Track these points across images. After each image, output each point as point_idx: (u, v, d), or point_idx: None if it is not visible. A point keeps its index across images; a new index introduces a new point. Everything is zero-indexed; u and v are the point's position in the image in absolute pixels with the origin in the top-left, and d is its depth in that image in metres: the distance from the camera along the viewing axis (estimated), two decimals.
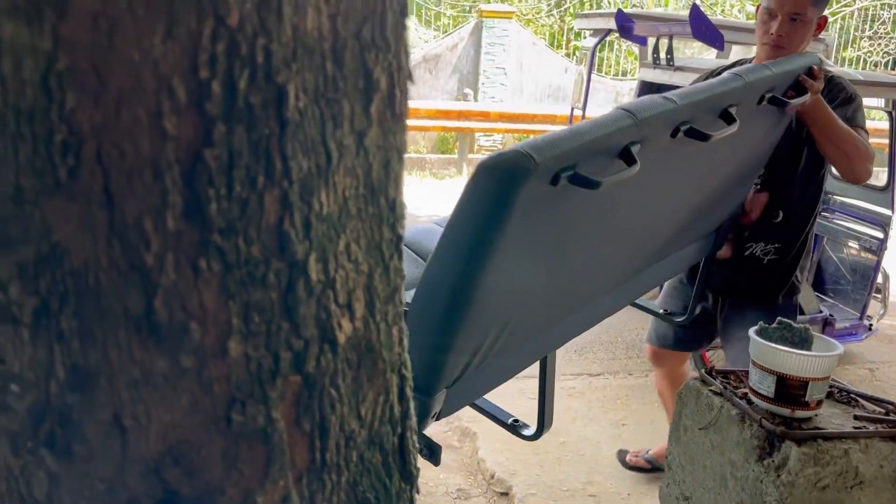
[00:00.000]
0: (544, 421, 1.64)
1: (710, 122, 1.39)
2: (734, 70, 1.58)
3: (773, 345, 1.33)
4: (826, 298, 3.81)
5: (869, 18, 10.71)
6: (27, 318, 0.50)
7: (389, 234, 0.64)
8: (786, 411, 1.32)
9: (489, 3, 9.38)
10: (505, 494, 2.68)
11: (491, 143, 8.80)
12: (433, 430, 3.07)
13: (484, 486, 2.75)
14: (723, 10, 10.77)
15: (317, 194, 0.55)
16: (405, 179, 0.67)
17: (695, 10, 3.14)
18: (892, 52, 10.63)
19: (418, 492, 0.74)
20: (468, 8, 10.02)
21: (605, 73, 9.52)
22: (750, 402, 1.35)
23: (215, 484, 0.53)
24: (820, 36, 2.18)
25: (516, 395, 2.81)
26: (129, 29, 0.45)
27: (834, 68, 2.63)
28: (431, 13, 10.05)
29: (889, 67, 10.57)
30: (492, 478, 2.76)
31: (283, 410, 0.55)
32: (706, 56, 4.91)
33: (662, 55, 3.67)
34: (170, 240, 0.48)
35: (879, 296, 3.76)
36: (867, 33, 10.71)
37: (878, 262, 3.55)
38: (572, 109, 4.98)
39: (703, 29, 3.14)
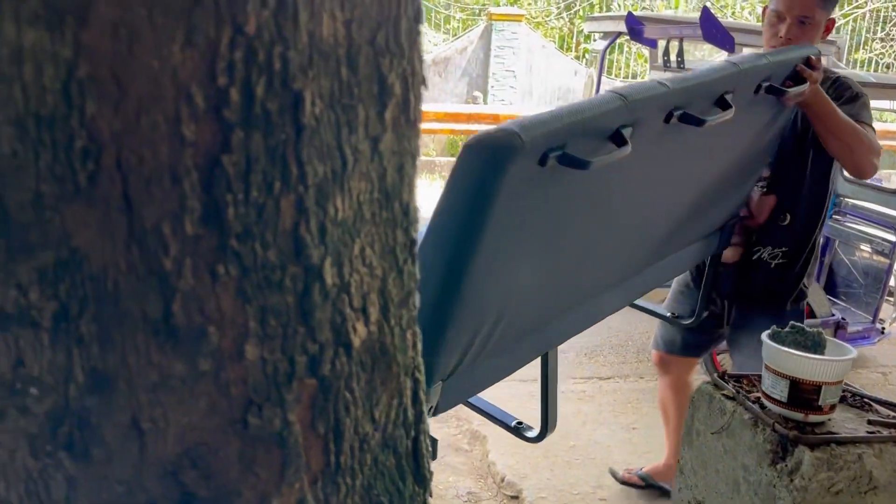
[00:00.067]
0: (548, 422, 1.61)
1: (706, 108, 1.37)
2: (728, 58, 1.58)
3: (786, 349, 1.33)
4: (838, 302, 3.79)
5: (881, 20, 10.66)
6: (47, 322, 0.50)
7: (403, 239, 0.64)
8: (799, 416, 1.31)
9: (499, 6, 9.39)
10: (515, 498, 2.68)
11: None
12: (443, 432, 3.07)
13: (494, 489, 2.75)
14: (733, 13, 10.74)
15: (332, 199, 0.56)
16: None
17: (705, 12, 3.13)
18: None
19: (431, 495, 0.74)
20: (478, 11, 10.03)
21: (616, 76, 9.51)
22: (763, 407, 1.34)
23: (232, 486, 0.54)
24: (831, 38, 2.18)
25: (526, 398, 2.82)
26: (149, 37, 0.45)
27: (844, 70, 2.63)
28: (441, 16, 10.08)
29: None
30: (502, 481, 2.76)
31: (298, 413, 0.56)
32: (717, 59, 4.90)
33: (673, 58, 3.67)
34: (188, 244, 0.49)
35: (892, 299, 3.73)
36: (879, 35, 10.66)
37: (891, 266, 3.53)
38: None
39: (714, 31, 3.14)
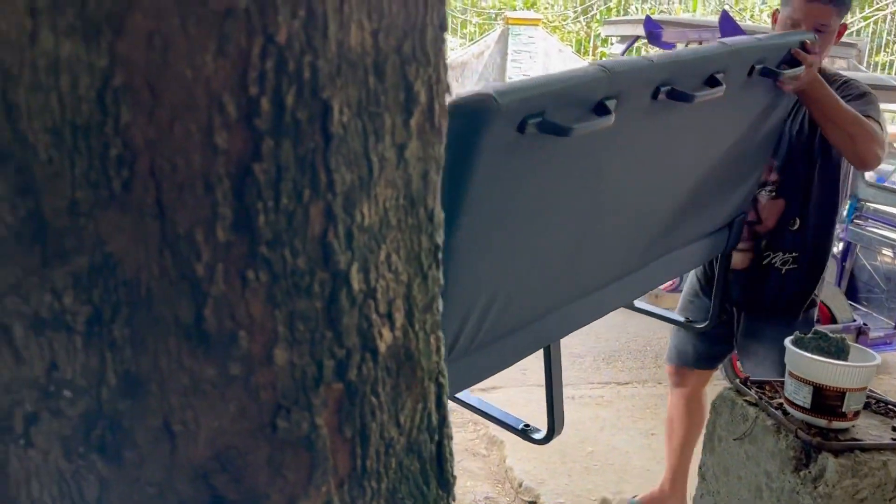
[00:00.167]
0: (555, 422, 1.58)
1: (695, 86, 1.35)
2: (720, 39, 1.57)
3: (810, 355, 1.32)
4: (859, 307, 3.75)
5: None
6: (80, 326, 0.51)
7: (428, 244, 0.65)
8: (822, 422, 1.30)
9: (515, 10, 9.39)
10: (533, 503, 2.67)
11: None
12: (460, 436, 3.07)
13: (512, 494, 2.75)
14: (752, 16, 10.68)
15: (359, 206, 0.57)
16: None
17: (724, 15, 3.12)
18: None
19: (454, 499, 0.75)
20: (494, 15, 10.05)
21: None
22: (785, 413, 1.33)
23: (261, 489, 0.54)
24: (852, 40, 2.17)
25: (544, 402, 2.79)
26: (182, 47, 0.46)
27: (865, 73, 2.60)
28: (458, 21, 10.10)
29: None
30: (520, 486, 2.76)
31: (326, 417, 0.56)
32: None
33: None
34: (220, 251, 0.50)
35: None
36: None
37: None
38: None
39: (733, 34, 3.12)
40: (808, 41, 1.74)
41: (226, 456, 0.53)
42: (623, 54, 4.66)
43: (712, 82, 1.38)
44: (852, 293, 3.81)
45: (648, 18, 3.82)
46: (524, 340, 1.40)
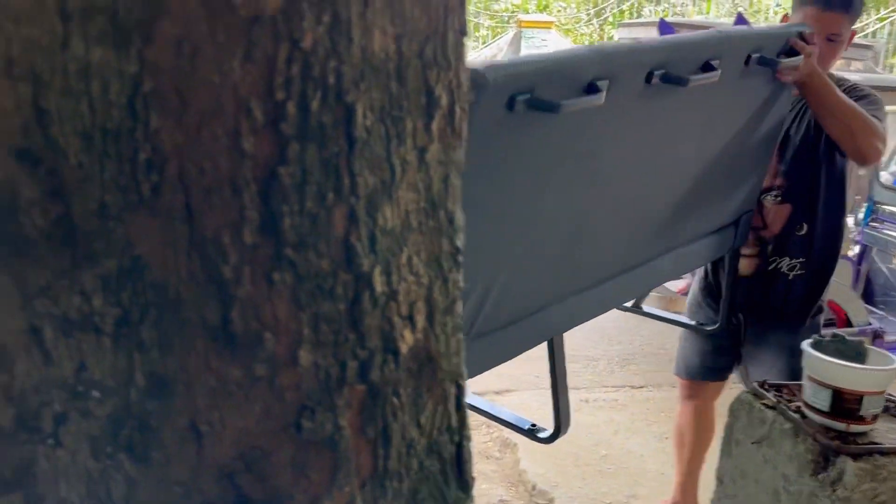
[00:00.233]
0: (560, 420, 1.57)
1: (690, 71, 1.35)
2: (715, 27, 1.56)
3: (829, 358, 1.31)
4: (875, 310, 3.72)
5: None
6: (109, 327, 0.52)
7: (448, 247, 0.66)
8: (841, 426, 1.30)
9: (528, 13, 9.39)
10: None
11: None
12: (473, 439, 3.08)
13: (526, 497, 2.75)
14: (766, 18, 10.63)
15: (381, 209, 0.57)
16: None
17: (740, 18, 3.11)
18: None
19: (473, 501, 0.75)
20: (507, 18, 10.05)
21: None
22: (804, 416, 1.33)
23: (285, 490, 0.55)
24: (868, 42, 2.18)
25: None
26: (210, 53, 0.47)
27: (882, 74, 2.59)
28: (471, 24, 10.12)
29: None
30: (533, 489, 2.76)
31: (349, 418, 0.57)
32: None
33: None
34: (246, 253, 0.51)
35: None
36: None
37: None
38: None
39: None
40: (805, 32, 1.73)
41: (251, 456, 0.54)
42: None
43: (707, 69, 1.38)
44: (868, 296, 3.79)
45: (663, 21, 3.82)
46: (525, 332, 1.38)
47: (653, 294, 2.79)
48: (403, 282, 0.60)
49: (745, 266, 2.08)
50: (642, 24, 4.73)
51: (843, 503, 1.20)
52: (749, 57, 1.53)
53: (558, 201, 1.27)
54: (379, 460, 0.60)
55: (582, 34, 10.90)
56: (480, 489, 2.75)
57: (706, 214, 1.82)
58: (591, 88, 1.12)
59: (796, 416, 1.33)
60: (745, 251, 2.06)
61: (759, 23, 9.82)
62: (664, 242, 1.71)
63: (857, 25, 2.06)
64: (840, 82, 1.98)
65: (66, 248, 0.51)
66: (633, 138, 1.36)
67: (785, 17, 2.03)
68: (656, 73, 1.26)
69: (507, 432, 3.00)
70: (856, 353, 1.39)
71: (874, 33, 9.95)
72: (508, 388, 3.37)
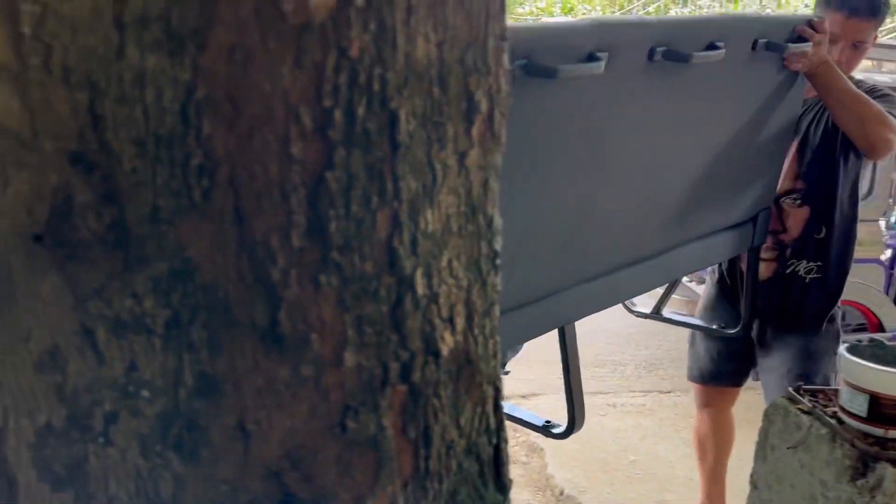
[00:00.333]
0: (575, 415, 1.54)
1: (693, 50, 1.33)
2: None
3: (865, 363, 1.30)
4: None
5: None
6: (159, 328, 0.53)
7: (487, 250, 0.66)
8: (879, 431, 1.28)
9: (553, 15, 9.37)
10: None
11: None
12: None
13: (553, 502, 2.74)
14: None
15: (423, 213, 0.58)
16: None
17: None
18: None
19: (510, 503, 0.75)
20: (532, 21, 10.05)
21: None
22: (840, 422, 1.31)
23: (330, 489, 0.56)
24: None
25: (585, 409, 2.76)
26: (262, 61, 0.48)
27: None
28: None
29: None
30: (561, 494, 2.75)
31: (391, 419, 0.58)
32: None
33: None
34: (294, 256, 0.52)
35: None
36: None
37: None
38: None
39: None
40: (815, 20, 1.70)
41: (297, 455, 0.55)
42: None
43: (712, 49, 1.36)
44: None
45: None
46: (532, 318, 1.35)
47: (676, 297, 2.77)
48: (444, 284, 0.61)
49: (763, 270, 2.07)
50: None
51: None
52: (756, 42, 1.51)
53: (562, 180, 1.25)
54: (420, 461, 0.61)
55: None
56: None
57: (720, 208, 1.79)
58: (591, 59, 1.11)
59: (833, 421, 1.32)
60: (763, 255, 2.05)
61: None
62: (677, 234, 1.68)
63: (883, 27, 2.05)
64: (859, 84, 1.97)
65: (119, 250, 0.52)
66: (639, 119, 1.34)
67: None
68: (658, 49, 1.24)
69: (534, 437, 3.00)
70: (893, 358, 1.37)
71: None
72: (535, 391, 3.36)
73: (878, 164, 2.81)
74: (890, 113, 1.87)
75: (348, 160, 0.52)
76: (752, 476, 1.45)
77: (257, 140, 0.49)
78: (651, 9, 10.44)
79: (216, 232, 0.51)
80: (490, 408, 0.69)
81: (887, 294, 3.63)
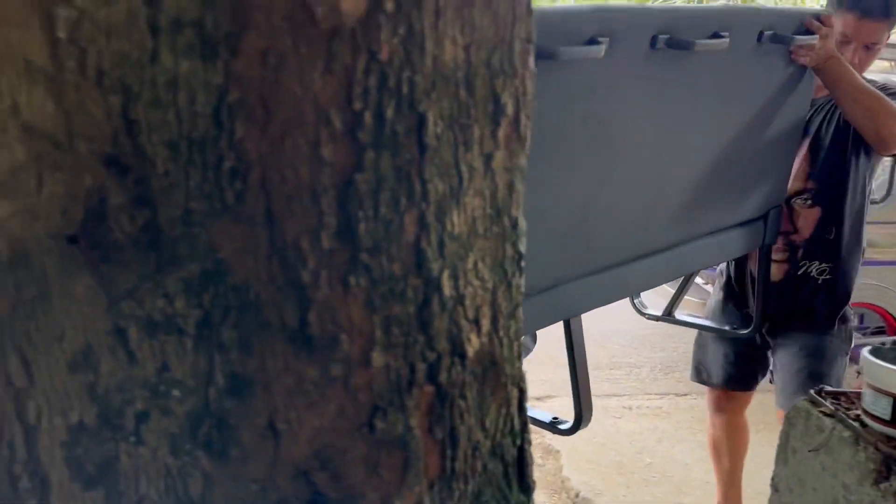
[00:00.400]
0: (581, 410, 1.52)
1: (697, 38, 1.31)
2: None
3: (889, 365, 1.29)
4: None
5: None
6: (191, 328, 0.54)
7: (512, 252, 0.67)
8: None
9: None
10: None
11: None
12: None
13: None
14: None
15: (449, 214, 0.59)
16: None
17: None
18: None
19: None
20: None
21: None
22: (863, 425, 1.30)
23: (358, 488, 0.57)
24: None
25: (601, 412, 2.78)
26: (293, 65, 0.49)
27: None
28: None
29: None
30: (576, 497, 2.74)
31: (418, 419, 0.58)
32: None
33: None
34: (324, 258, 0.52)
35: None
36: None
37: None
38: None
39: None
40: (823, 14, 1.69)
41: (325, 454, 0.56)
42: None
43: (716, 38, 1.34)
44: None
45: None
46: (537, 308, 1.32)
47: (691, 299, 2.75)
48: (470, 286, 0.62)
49: (775, 271, 2.05)
50: None
51: None
52: (762, 34, 1.49)
53: (565, 168, 1.24)
54: (446, 461, 0.61)
55: None
56: None
57: (729, 203, 1.77)
58: (591, 43, 1.10)
59: (855, 423, 1.30)
60: (775, 256, 2.04)
61: None
62: (686, 228, 1.66)
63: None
64: (870, 83, 1.95)
65: (152, 252, 0.53)
66: (643, 108, 1.32)
67: None
68: (661, 37, 1.23)
69: (550, 439, 2.99)
70: None
71: None
72: (549, 393, 3.36)
73: None
74: None
75: (377, 162, 0.53)
76: (773, 479, 1.44)
77: (288, 143, 0.50)
78: None
79: (247, 234, 0.51)
80: (514, 409, 0.70)
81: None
